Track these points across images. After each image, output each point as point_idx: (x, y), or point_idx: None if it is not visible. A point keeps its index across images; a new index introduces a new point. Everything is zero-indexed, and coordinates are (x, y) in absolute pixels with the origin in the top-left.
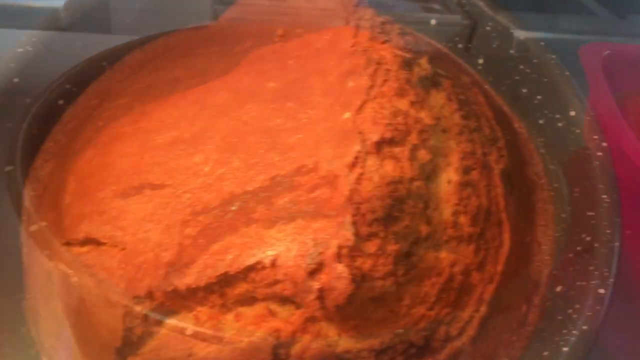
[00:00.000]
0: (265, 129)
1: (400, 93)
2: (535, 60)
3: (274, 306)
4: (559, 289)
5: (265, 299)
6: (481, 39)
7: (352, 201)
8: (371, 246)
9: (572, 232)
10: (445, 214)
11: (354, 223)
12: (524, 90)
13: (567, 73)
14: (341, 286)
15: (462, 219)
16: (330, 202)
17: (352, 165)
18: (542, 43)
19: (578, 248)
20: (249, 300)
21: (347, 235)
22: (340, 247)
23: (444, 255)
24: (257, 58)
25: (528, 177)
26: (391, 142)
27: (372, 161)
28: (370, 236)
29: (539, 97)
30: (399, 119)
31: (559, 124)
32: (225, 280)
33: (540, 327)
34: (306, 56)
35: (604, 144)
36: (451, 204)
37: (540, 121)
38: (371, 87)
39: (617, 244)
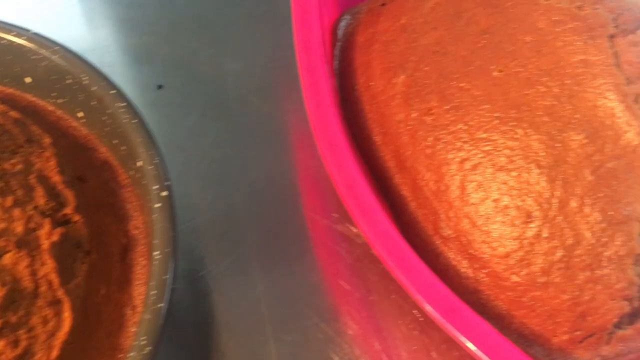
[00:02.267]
0: None
1: None
2: (109, 111)
3: None
4: None
5: None
6: (73, 94)
7: None
8: None
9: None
10: None
11: None
12: (115, 142)
13: (137, 120)
14: None
15: None
16: None
17: None
18: (114, 91)
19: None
20: None
21: None
22: None
23: None
24: None
25: (128, 233)
26: None
27: None
28: None
29: (123, 147)
30: None
31: (137, 175)
32: None
33: None
34: None
35: (164, 193)
36: None
37: (131, 172)
38: None
39: (161, 305)
